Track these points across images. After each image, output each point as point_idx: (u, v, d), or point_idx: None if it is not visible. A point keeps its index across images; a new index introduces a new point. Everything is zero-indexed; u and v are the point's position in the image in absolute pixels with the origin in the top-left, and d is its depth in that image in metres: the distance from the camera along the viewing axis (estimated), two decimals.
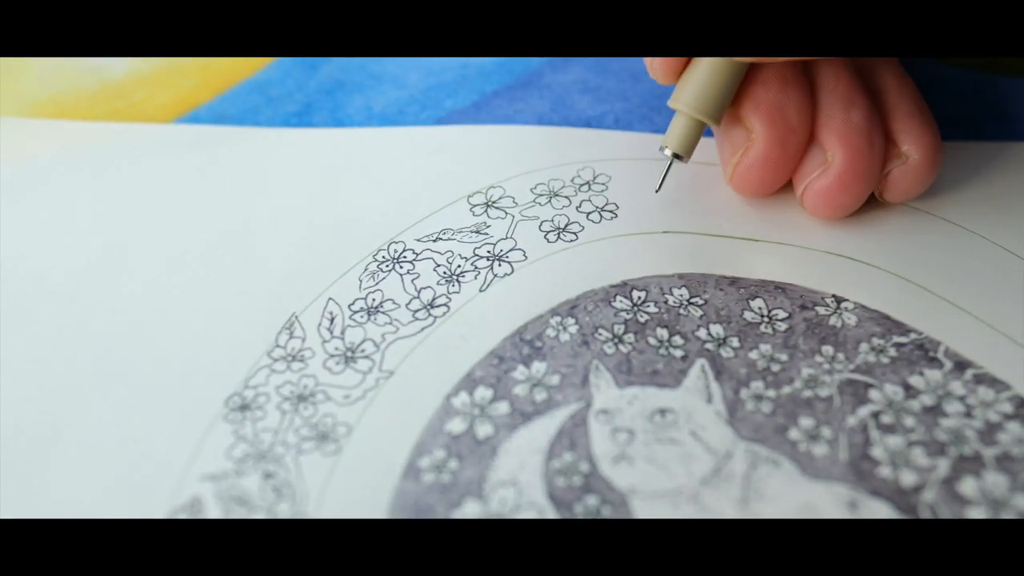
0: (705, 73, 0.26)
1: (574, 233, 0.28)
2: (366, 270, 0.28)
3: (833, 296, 0.26)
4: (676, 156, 0.27)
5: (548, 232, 0.28)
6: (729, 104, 0.27)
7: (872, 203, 0.28)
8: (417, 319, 0.26)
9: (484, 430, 0.23)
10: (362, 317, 0.26)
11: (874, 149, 0.26)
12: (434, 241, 0.28)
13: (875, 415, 0.23)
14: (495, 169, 0.31)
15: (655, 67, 0.27)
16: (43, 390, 0.25)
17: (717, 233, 0.28)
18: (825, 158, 0.26)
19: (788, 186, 0.28)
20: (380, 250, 0.28)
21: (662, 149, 0.27)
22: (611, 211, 0.29)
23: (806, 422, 0.23)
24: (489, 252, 0.28)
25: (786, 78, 0.26)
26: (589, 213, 0.29)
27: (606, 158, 0.31)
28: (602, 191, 0.29)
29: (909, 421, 0.23)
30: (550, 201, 0.29)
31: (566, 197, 0.29)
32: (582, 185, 0.30)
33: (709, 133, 0.29)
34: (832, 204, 0.27)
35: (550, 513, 0.22)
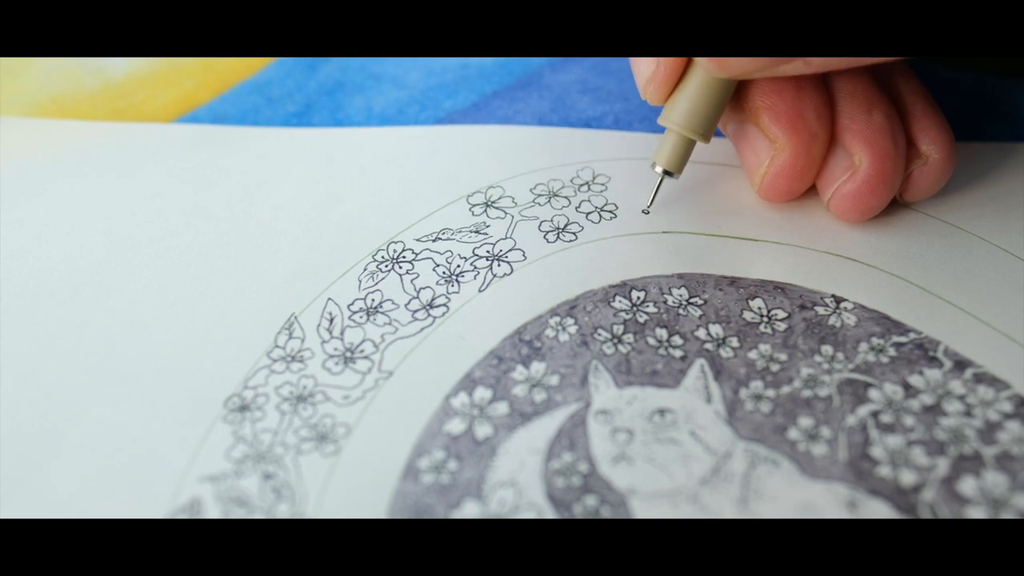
0: (694, 91, 0.26)
1: (573, 233, 0.28)
2: (365, 270, 0.28)
3: (832, 296, 0.26)
4: (667, 173, 0.27)
5: (547, 232, 0.28)
6: (718, 121, 0.27)
7: None
8: (416, 319, 0.26)
9: (483, 430, 0.23)
10: (361, 317, 0.26)
11: (899, 149, 0.26)
12: (433, 241, 0.28)
13: (874, 414, 0.23)
14: (494, 169, 0.31)
15: (648, 91, 0.27)
16: (43, 390, 0.25)
17: (716, 233, 0.28)
18: (852, 162, 0.26)
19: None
20: (379, 250, 0.28)
21: (653, 166, 0.27)
22: (610, 211, 0.29)
23: (805, 422, 0.23)
24: (488, 252, 0.28)
25: (800, 84, 0.26)
26: (588, 213, 0.29)
27: (605, 158, 0.31)
28: (601, 191, 0.29)
29: (909, 420, 0.23)
30: (549, 201, 0.29)
31: (565, 197, 0.29)
32: (581, 185, 0.30)
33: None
34: (861, 207, 0.27)
35: (549, 513, 0.22)
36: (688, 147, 0.27)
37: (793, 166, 0.27)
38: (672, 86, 0.27)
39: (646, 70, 0.27)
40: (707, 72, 0.25)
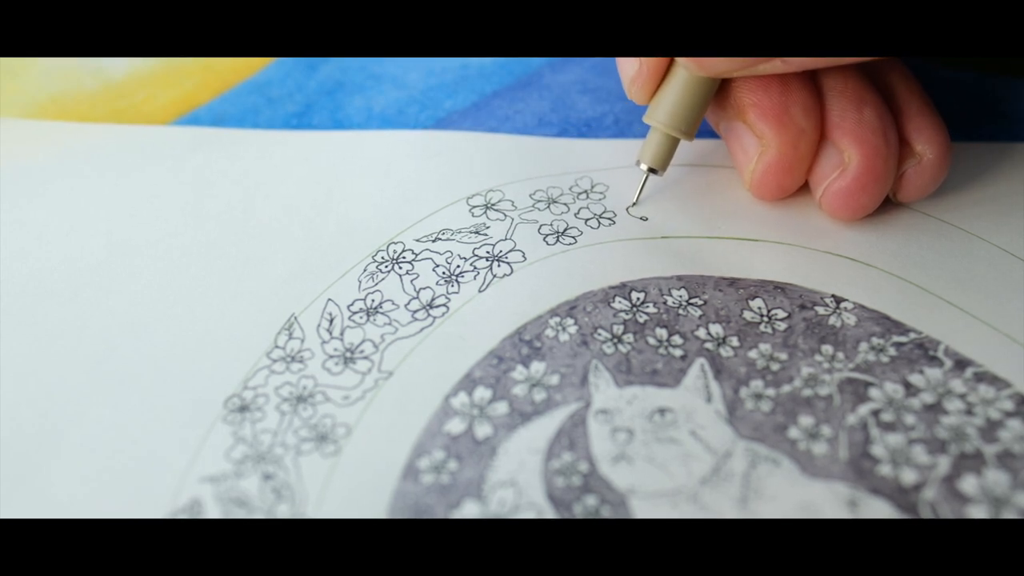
0: (677, 90, 0.27)
1: (573, 237, 0.28)
2: (365, 271, 0.28)
3: (832, 296, 0.26)
4: (651, 170, 0.28)
5: (547, 235, 0.28)
6: (701, 119, 0.27)
7: None
8: (416, 319, 0.26)
9: (483, 430, 0.23)
10: (361, 318, 0.26)
11: (890, 147, 0.26)
12: (433, 241, 0.28)
13: (875, 413, 0.23)
14: (494, 174, 0.31)
15: (633, 90, 0.27)
16: (43, 391, 0.25)
17: (716, 235, 0.28)
18: (842, 159, 0.26)
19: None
20: (379, 251, 0.28)
21: (638, 163, 0.28)
22: (608, 218, 0.29)
23: (806, 421, 0.23)
24: (488, 253, 0.28)
25: (787, 80, 0.26)
26: (587, 220, 0.29)
27: (603, 168, 0.31)
28: (600, 199, 0.29)
29: (909, 419, 0.23)
30: (548, 207, 0.29)
31: (564, 204, 0.29)
32: (580, 193, 0.30)
33: (712, 135, 0.29)
34: (852, 205, 0.27)
35: (549, 513, 0.22)
36: (672, 145, 0.28)
37: (780, 162, 0.27)
38: (655, 85, 0.27)
39: (630, 70, 0.27)
40: (688, 71, 0.26)
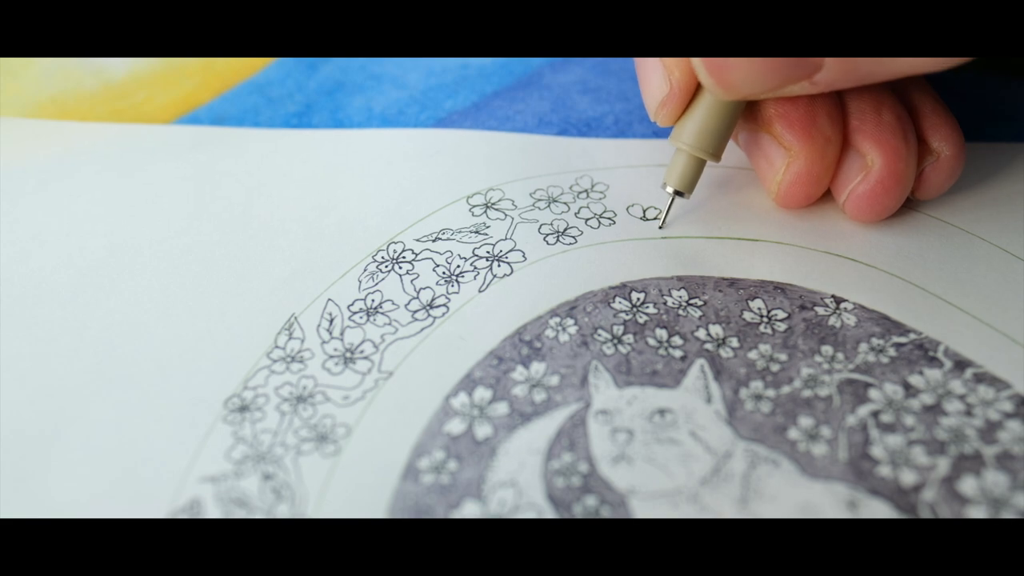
0: (704, 111, 0.26)
1: (573, 237, 0.28)
2: (365, 271, 0.28)
3: (832, 296, 0.26)
4: (678, 193, 0.27)
5: (547, 235, 0.28)
6: (729, 139, 0.27)
7: None
8: (416, 320, 0.26)
9: (483, 431, 0.23)
10: (361, 318, 0.26)
11: (910, 148, 0.26)
12: (433, 241, 0.28)
13: (875, 414, 0.23)
14: (494, 173, 0.31)
15: (660, 114, 0.27)
16: (43, 391, 0.25)
17: (716, 236, 0.28)
18: (864, 163, 0.26)
19: None
20: (379, 250, 0.28)
21: (664, 186, 0.27)
22: (609, 218, 0.29)
23: (805, 421, 0.23)
24: (488, 253, 0.28)
25: None
26: (588, 219, 0.29)
27: (603, 167, 0.31)
28: (600, 199, 0.29)
29: (909, 420, 0.23)
30: (549, 207, 0.29)
31: (564, 203, 0.29)
32: (580, 193, 0.30)
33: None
34: (876, 208, 0.27)
35: (549, 514, 0.22)
36: (699, 167, 0.27)
37: (809, 172, 0.27)
38: (684, 108, 0.26)
39: (658, 93, 0.26)
40: (715, 95, 0.25)
